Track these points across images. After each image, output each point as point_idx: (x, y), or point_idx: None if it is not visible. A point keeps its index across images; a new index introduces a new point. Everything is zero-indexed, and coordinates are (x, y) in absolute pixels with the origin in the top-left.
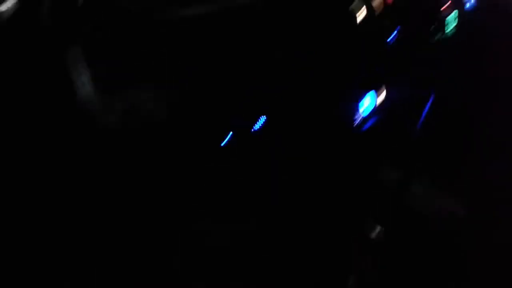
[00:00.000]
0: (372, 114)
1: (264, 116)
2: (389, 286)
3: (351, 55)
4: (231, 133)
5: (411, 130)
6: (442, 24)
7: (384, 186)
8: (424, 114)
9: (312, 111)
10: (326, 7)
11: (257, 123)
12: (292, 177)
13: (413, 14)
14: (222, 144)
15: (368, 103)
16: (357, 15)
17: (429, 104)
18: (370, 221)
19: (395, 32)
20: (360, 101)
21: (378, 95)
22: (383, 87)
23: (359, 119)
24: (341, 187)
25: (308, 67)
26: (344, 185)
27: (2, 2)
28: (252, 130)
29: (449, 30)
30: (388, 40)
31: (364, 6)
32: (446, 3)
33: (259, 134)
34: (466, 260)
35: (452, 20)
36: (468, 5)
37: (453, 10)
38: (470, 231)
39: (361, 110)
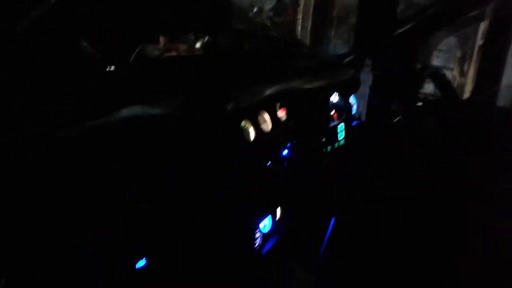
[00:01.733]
0: (271, 234)
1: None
2: None
3: (244, 176)
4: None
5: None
6: (332, 134)
7: None
8: (327, 236)
9: (208, 238)
10: (214, 130)
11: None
12: None
13: (304, 129)
14: None
15: (267, 223)
16: (246, 135)
17: (330, 227)
18: None
19: (288, 147)
20: (258, 223)
21: (275, 216)
22: (280, 207)
23: (258, 241)
24: None
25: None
26: None
27: None
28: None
29: (340, 139)
30: (283, 156)
31: (252, 127)
32: (333, 116)
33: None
34: None
35: (341, 131)
36: (361, 115)
37: (340, 122)
38: None
39: (259, 232)
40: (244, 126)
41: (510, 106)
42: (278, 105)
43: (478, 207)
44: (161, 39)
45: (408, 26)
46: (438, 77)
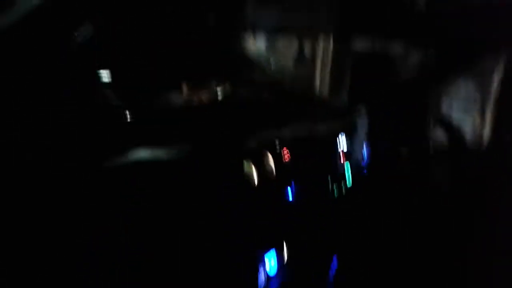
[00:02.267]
0: (277, 277)
1: None
2: None
3: (249, 217)
4: None
5: None
6: (339, 177)
7: None
8: (331, 276)
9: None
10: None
11: None
12: None
13: (309, 170)
14: None
15: (272, 263)
16: (251, 178)
17: (334, 267)
18: None
19: (293, 189)
20: (262, 262)
21: (280, 255)
22: (286, 247)
23: (264, 281)
24: None
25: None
26: None
27: None
28: None
29: (347, 180)
30: (286, 197)
31: (254, 169)
32: (340, 158)
33: None
34: None
35: (348, 174)
36: (359, 161)
37: (345, 164)
38: None
39: (263, 272)
40: (247, 169)
41: None
42: (281, 148)
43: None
44: (184, 87)
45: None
46: (446, 124)
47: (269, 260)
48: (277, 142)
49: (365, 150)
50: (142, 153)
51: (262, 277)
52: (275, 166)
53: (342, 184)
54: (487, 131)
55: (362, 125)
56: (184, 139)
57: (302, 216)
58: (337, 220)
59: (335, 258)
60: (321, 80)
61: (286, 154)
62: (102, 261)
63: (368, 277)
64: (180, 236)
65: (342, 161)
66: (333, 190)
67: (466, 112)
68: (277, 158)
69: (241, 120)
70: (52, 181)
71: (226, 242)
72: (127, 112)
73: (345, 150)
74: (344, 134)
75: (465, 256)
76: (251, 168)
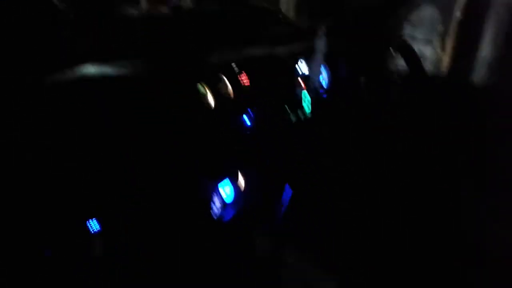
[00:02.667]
0: (234, 204)
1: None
2: None
3: (204, 142)
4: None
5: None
6: (297, 103)
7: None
8: (285, 203)
9: (167, 200)
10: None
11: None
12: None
13: (268, 95)
14: None
15: (228, 191)
16: (204, 99)
17: (287, 195)
18: None
19: (250, 113)
20: (217, 189)
21: (237, 183)
22: (241, 174)
23: (220, 208)
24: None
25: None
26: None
27: None
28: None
29: (305, 108)
30: (243, 122)
31: (209, 91)
32: (299, 85)
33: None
34: None
35: (306, 99)
36: (317, 86)
37: (304, 90)
38: None
39: (219, 199)
40: (202, 90)
41: (483, 83)
42: (239, 69)
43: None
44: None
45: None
46: (405, 50)
47: (224, 188)
48: (234, 66)
49: (325, 75)
50: (93, 69)
51: (218, 204)
52: (232, 90)
53: (300, 111)
54: (447, 58)
55: (322, 49)
56: (138, 54)
57: (259, 143)
58: (294, 146)
59: (287, 186)
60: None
61: (244, 78)
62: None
63: (325, 204)
64: (130, 160)
65: (301, 87)
66: (291, 116)
67: (428, 38)
68: (235, 82)
69: (200, 37)
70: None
71: (180, 167)
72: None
73: (304, 75)
74: (304, 58)
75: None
76: (207, 91)
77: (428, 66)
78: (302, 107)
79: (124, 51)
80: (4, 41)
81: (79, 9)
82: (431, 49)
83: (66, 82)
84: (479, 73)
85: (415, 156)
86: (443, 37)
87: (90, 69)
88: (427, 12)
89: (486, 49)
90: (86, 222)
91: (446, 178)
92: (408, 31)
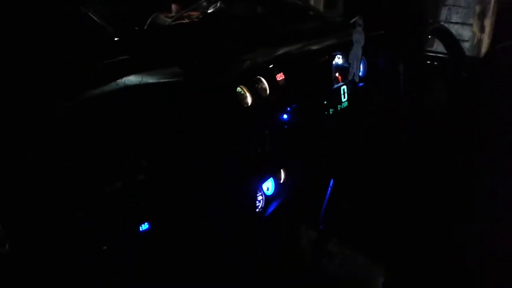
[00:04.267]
0: (275, 197)
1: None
2: None
3: (244, 140)
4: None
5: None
6: (335, 97)
7: (302, 248)
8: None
9: (214, 201)
10: (211, 96)
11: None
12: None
13: (305, 91)
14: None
15: (270, 186)
16: (243, 100)
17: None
18: None
19: (289, 110)
20: (260, 186)
21: (278, 179)
22: (282, 170)
23: (262, 204)
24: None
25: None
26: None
27: None
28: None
29: (342, 103)
30: (282, 119)
31: (248, 92)
32: (335, 78)
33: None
34: None
35: (343, 94)
36: (355, 77)
37: (342, 84)
38: None
39: (262, 194)
40: (241, 91)
41: None
42: (275, 70)
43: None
44: (173, 7)
45: None
46: (442, 34)
47: (267, 181)
48: (271, 66)
49: (362, 66)
50: (134, 79)
51: (259, 198)
52: (270, 90)
53: (338, 104)
54: (485, 40)
55: (361, 41)
56: (175, 61)
57: (299, 138)
58: (333, 140)
59: (331, 180)
60: None
61: (281, 77)
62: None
63: (363, 198)
64: (177, 164)
65: (337, 81)
66: (328, 111)
67: (464, 21)
68: (272, 82)
69: (235, 40)
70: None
71: (224, 165)
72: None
73: (340, 68)
74: (340, 52)
75: (463, 172)
76: (247, 93)
77: (467, 48)
78: (339, 100)
79: (163, 60)
80: (55, 56)
81: (117, 23)
82: (469, 31)
83: (112, 92)
84: None
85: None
86: (481, 19)
87: (133, 79)
88: None
89: None
90: (139, 225)
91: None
92: (444, 15)
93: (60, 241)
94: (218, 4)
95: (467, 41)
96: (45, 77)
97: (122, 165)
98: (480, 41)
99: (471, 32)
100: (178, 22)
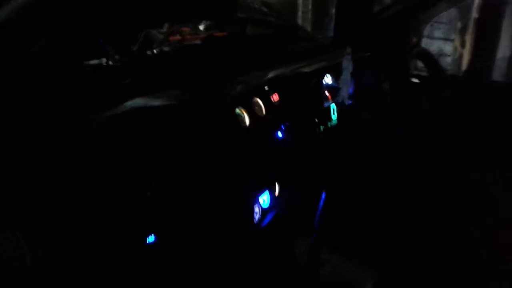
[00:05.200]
0: (270, 209)
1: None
2: None
3: (242, 158)
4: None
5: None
6: (325, 115)
7: (295, 257)
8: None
9: (215, 214)
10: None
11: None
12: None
13: (297, 110)
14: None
15: (265, 199)
16: (242, 120)
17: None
18: None
19: (283, 128)
20: (257, 199)
21: (273, 192)
22: (277, 184)
23: (258, 216)
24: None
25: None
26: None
27: None
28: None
29: (332, 121)
30: (277, 137)
31: (246, 113)
32: (325, 97)
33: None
34: None
35: (332, 112)
36: (345, 100)
37: (332, 102)
38: None
39: (258, 206)
40: (239, 112)
41: (504, 80)
42: (270, 91)
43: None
44: (165, 27)
45: (389, 11)
46: (424, 56)
47: (263, 194)
48: (266, 87)
49: (350, 87)
50: (141, 101)
51: (256, 210)
52: (265, 109)
53: (328, 121)
54: (466, 55)
55: (347, 66)
56: (170, 84)
57: (292, 154)
58: (324, 155)
59: (323, 192)
60: (304, 15)
61: (275, 97)
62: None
63: (356, 209)
64: (176, 181)
65: (327, 99)
66: (319, 128)
67: (446, 36)
68: (267, 101)
69: (229, 61)
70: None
71: (224, 181)
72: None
73: (330, 87)
74: (330, 73)
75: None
76: (244, 113)
77: (449, 62)
78: (329, 118)
79: (164, 84)
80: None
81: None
82: (451, 46)
83: (121, 114)
84: (499, 69)
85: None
86: (462, 34)
87: (139, 102)
88: (445, 12)
89: (504, 45)
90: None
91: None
92: (427, 31)
93: (77, 257)
94: (209, 22)
95: (449, 55)
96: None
97: (132, 183)
98: (461, 56)
99: (452, 47)
100: (172, 38)
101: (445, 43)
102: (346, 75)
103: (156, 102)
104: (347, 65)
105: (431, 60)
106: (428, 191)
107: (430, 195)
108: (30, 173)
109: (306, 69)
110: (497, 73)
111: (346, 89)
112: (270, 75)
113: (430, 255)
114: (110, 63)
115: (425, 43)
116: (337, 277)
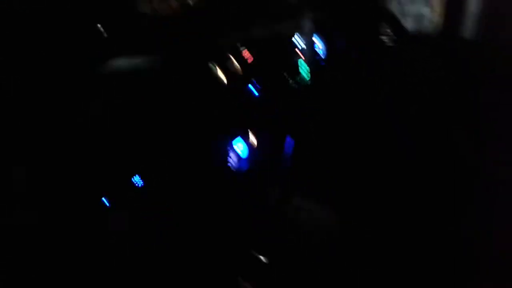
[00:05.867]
0: (246, 158)
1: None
2: None
3: (216, 108)
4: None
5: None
6: (295, 70)
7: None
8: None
9: (191, 161)
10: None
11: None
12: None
13: (269, 66)
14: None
15: (241, 147)
16: (215, 74)
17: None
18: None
19: (255, 82)
20: (231, 145)
21: (247, 140)
22: (252, 133)
23: (236, 162)
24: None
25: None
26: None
27: None
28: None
29: (302, 75)
30: (250, 90)
31: (220, 69)
32: (296, 53)
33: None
34: None
35: (303, 67)
36: (311, 59)
37: (301, 58)
38: None
39: (235, 155)
40: (213, 68)
41: (471, 38)
42: (242, 48)
43: None
44: None
45: None
46: (387, 16)
47: (238, 146)
48: (239, 45)
49: (322, 47)
50: (114, 63)
51: (234, 159)
52: (239, 66)
53: (300, 79)
54: (436, 15)
55: (308, 30)
56: (155, 47)
57: (265, 107)
58: (297, 109)
59: (288, 138)
60: None
61: (247, 55)
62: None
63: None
64: (165, 131)
65: (299, 58)
66: (291, 84)
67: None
68: (240, 59)
69: (208, 25)
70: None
71: (202, 132)
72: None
73: (302, 47)
74: (300, 32)
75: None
76: (218, 69)
77: (426, 24)
78: (300, 75)
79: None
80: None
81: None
82: (428, 8)
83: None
84: (468, 28)
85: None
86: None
87: (122, 62)
88: None
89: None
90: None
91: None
92: None
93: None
94: None
95: (427, 17)
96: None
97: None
98: (437, 16)
99: (426, 8)
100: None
101: (424, 5)
102: (308, 36)
103: (137, 64)
104: (308, 26)
105: (392, 20)
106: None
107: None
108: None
109: (277, 28)
110: (466, 33)
111: (310, 49)
112: (243, 35)
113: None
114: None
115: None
116: (311, 223)
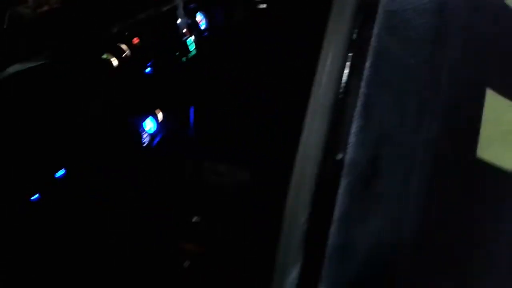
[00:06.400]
0: (156, 133)
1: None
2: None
3: (117, 94)
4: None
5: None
6: (184, 48)
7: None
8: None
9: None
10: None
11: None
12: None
13: (159, 46)
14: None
15: (151, 125)
16: (110, 63)
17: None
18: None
19: (149, 65)
20: (141, 125)
21: (156, 118)
22: (158, 110)
23: (146, 139)
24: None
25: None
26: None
27: None
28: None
29: (191, 52)
30: (146, 72)
31: (113, 57)
32: (184, 32)
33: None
34: None
35: (191, 44)
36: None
37: (190, 36)
38: None
39: (145, 131)
40: (107, 57)
41: None
42: (131, 35)
43: None
44: None
45: None
46: None
47: (147, 123)
48: (127, 33)
49: (204, 21)
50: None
51: (144, 135)
52: (129, 51)
53: (189, 54)
54: None
55: (181, 10)
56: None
57: (163, 84)
58: (188, 80)
59: (191, 110)
60: None
61: (136, 40)
62: None
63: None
64: (79, 119)
65: (184, 33)
66: (180, 59)
67: None
68: (130, 46)
69: (94, 17)
70: None
71: (111, 113)
72: None
73: (186, 24)
74: (182, 10)
75: None
76: (111, 57)
77: None
78: (188, 50)
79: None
80: None
81: None
82: None
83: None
84: None
85: None
86: None
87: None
88: None
89: None
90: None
91: None
92: None
93: None
94: None
95: None
96: None
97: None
98: None
99: None
100: (40, 10)
101: None
102: (180, 11)
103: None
104: (179, 7)
105: None
106: None
107: None
108: None
109: (160, 10)
110: None
111: (183, 23)
112: (129, 22)
113: None
114: None
115: None
116: (232, 186)
